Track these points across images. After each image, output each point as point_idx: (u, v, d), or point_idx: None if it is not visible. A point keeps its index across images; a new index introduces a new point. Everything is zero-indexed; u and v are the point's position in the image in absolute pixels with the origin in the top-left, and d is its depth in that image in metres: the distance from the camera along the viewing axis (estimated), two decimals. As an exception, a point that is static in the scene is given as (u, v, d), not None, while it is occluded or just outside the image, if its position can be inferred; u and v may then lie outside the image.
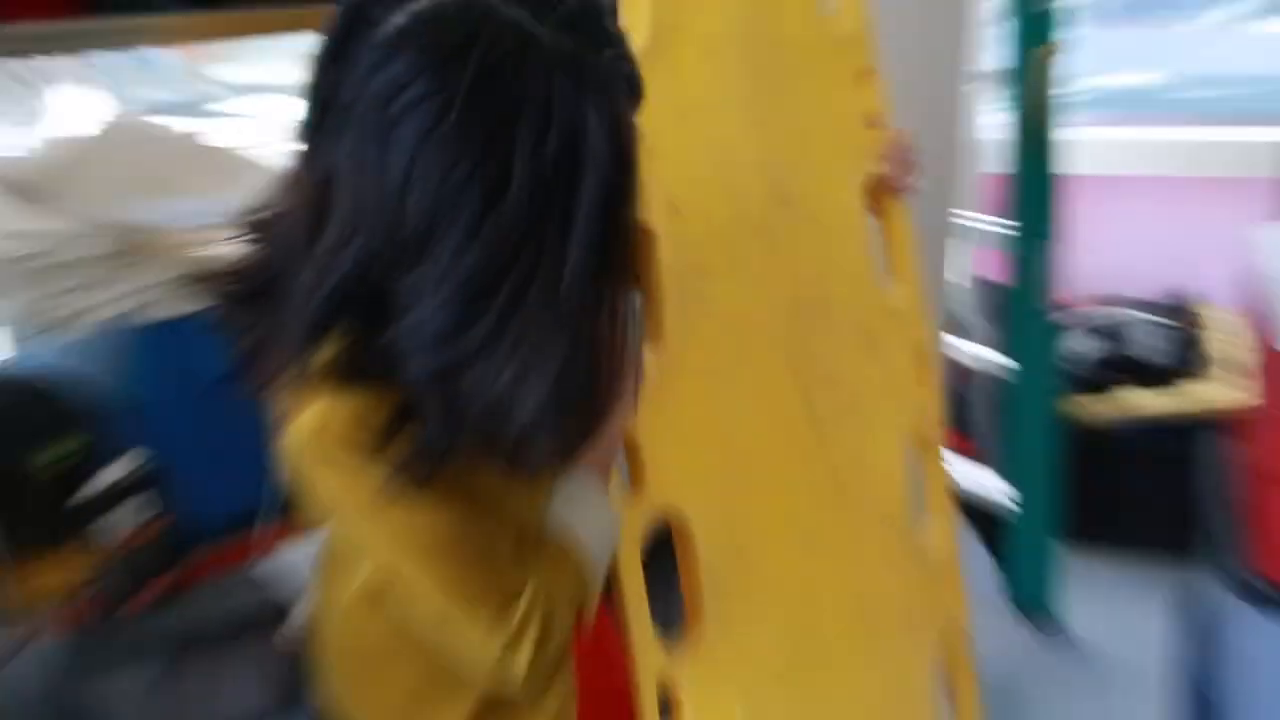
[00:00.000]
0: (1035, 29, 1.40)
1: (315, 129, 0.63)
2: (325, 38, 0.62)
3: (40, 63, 1.28)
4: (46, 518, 1.03)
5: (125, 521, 1.09)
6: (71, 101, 1.26)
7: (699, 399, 1.01)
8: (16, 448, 1.03)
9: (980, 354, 1.70)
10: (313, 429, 0.65)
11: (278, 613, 1.25)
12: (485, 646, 0.69)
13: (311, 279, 0.62)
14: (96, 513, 1.06)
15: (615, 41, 0.67)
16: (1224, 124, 2.41)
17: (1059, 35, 1.41)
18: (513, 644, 0.69)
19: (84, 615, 1.09)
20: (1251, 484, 1.45)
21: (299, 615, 1.25)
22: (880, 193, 1.15)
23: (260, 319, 0.68)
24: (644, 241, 0.96)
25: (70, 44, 0.99)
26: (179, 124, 1.23)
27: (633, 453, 0.94)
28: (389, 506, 0.66)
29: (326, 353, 0.65)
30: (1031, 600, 1.61)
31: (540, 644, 0.70)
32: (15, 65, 1.27)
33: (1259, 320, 1.44)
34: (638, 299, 0.97)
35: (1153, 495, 1.62)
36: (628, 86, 0.66)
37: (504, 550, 0.72)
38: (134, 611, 1.11)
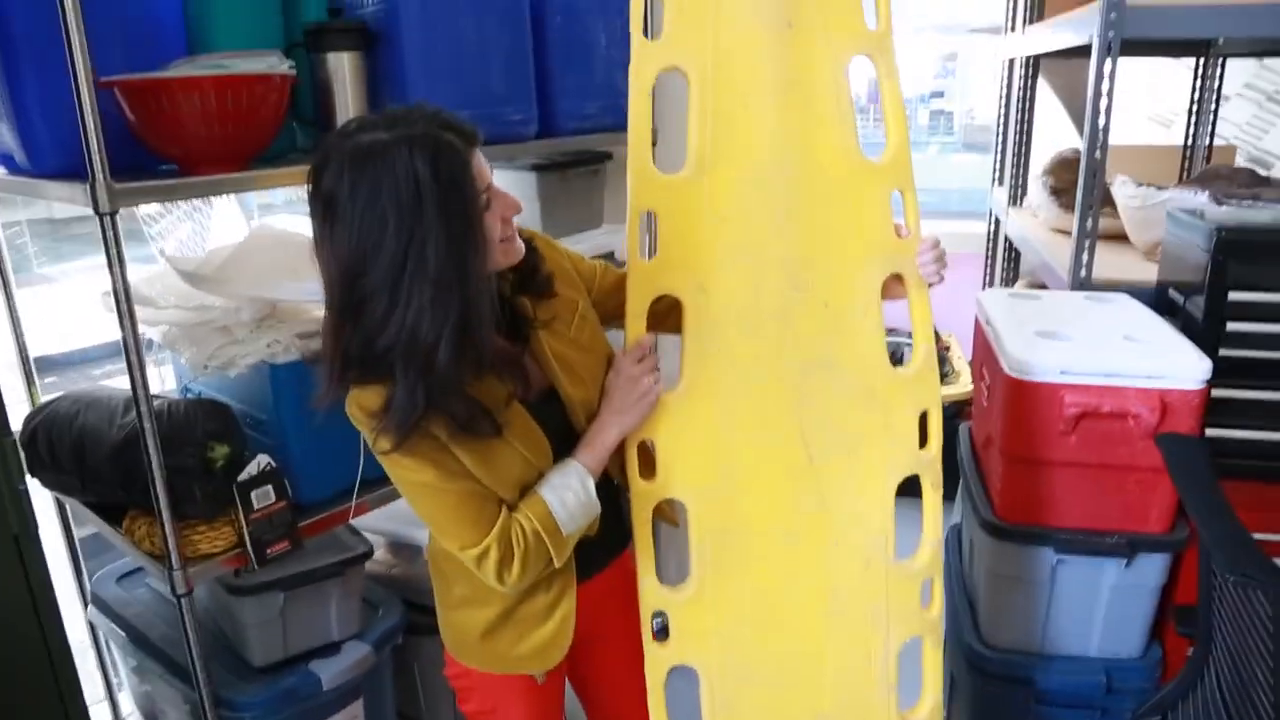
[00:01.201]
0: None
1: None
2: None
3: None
4: (218, 494, 1.44)
5: (263, 499, 1.47)
6: (227, 214, 1.79)
7: (710, 420, 1.28)
8: (202, 444, 1.42)
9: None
10: (349, 409, 1.08)
11: (361, 560, 1.71)
12: (463, 555, 1.13)
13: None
14: (246, 492, 1.45)
15: (448, 124, 1.02)
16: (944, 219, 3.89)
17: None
18: (480, 558, 1.12)
19: (238, 560, 1.48)
20: (978, 449, 1.94)
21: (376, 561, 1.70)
22: (906, 283, 1.32)
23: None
24: (674, 308, 1.26)
25: (238, 187, 1.46)
26: (292, 223, 1.71)
27: (650, 453, 1.27)
28: (395, 463, 1.09)
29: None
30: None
31: (503, 561, 1.11)
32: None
33: (983, 352, 1.91)
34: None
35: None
36: (450, 140, 1.00)
37: (474, 499, 1.11)
38: (267, 559, 1.48)
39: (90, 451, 1.49)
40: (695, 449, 1.29)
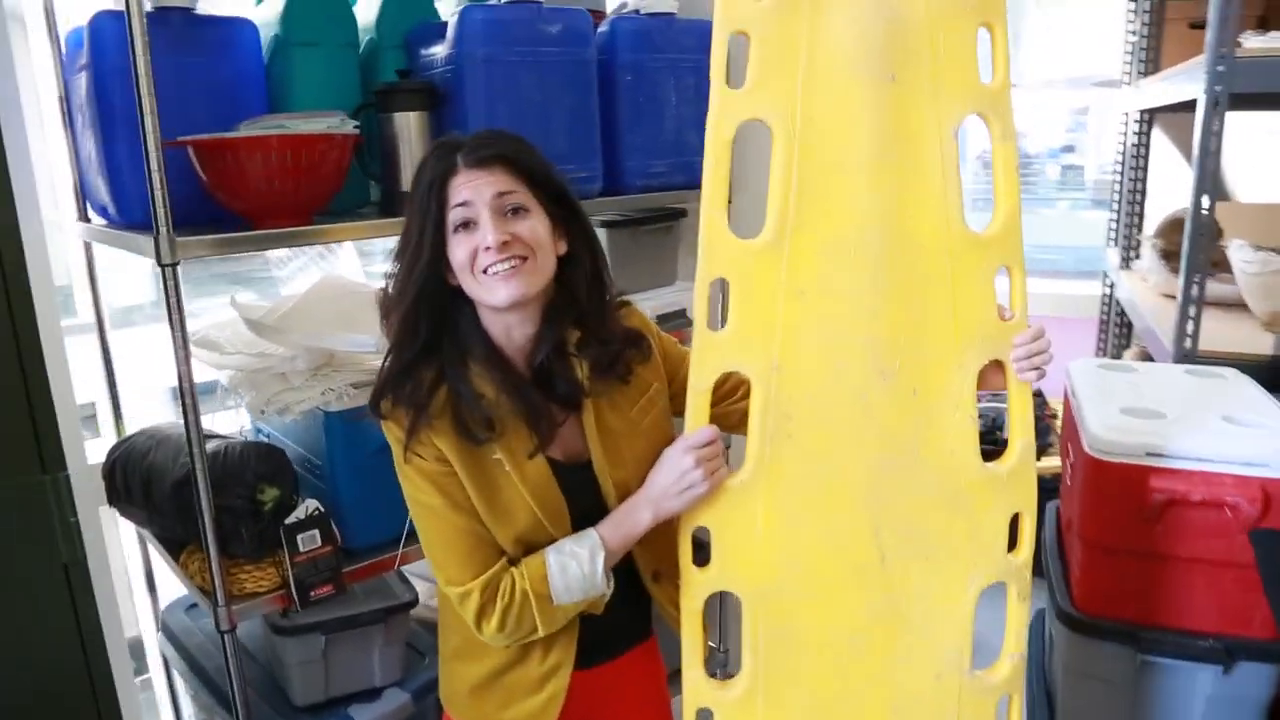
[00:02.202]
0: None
1: None
2: None
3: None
4: (266, 535, 1.47)
5: (309, 543, 1.50)
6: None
7: (775, 511, 1.16)
8: (253, 485, 1.46)
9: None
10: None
11: (406, 608, 1.73)
12: (448, 590, 1.12)
13: None
14: (292, 535, 1.48)
15: (461, 143, 1.10)
16: (1060, 279, 3.70)
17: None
18: (462, 598, 1.10)
19: (281, 600, 1.51)
20: (1062, 531, 1.76)
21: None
22: (1006, 372, 1.19)
23: None
24: (740, 387, 1.20)
25: (300, 240, 1.52)
26: (358, 277, 1.78)
27: (707, 541, 1.16)
28: (408, 479, 1.12)
29: None
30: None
31: (483, 609, 1.10)
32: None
33: (1069, 427, 1.74)
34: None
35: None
36: (436, 151, 1.10)
37: (471, 537, 1.11)
38: (310, 601, 1.50)
39: (155, 486, 1.56)
40: (755, 541, 1.18)
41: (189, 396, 1.36)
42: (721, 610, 2.16)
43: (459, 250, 1.09)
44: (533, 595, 1.10)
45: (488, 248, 1.07)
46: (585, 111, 1.80)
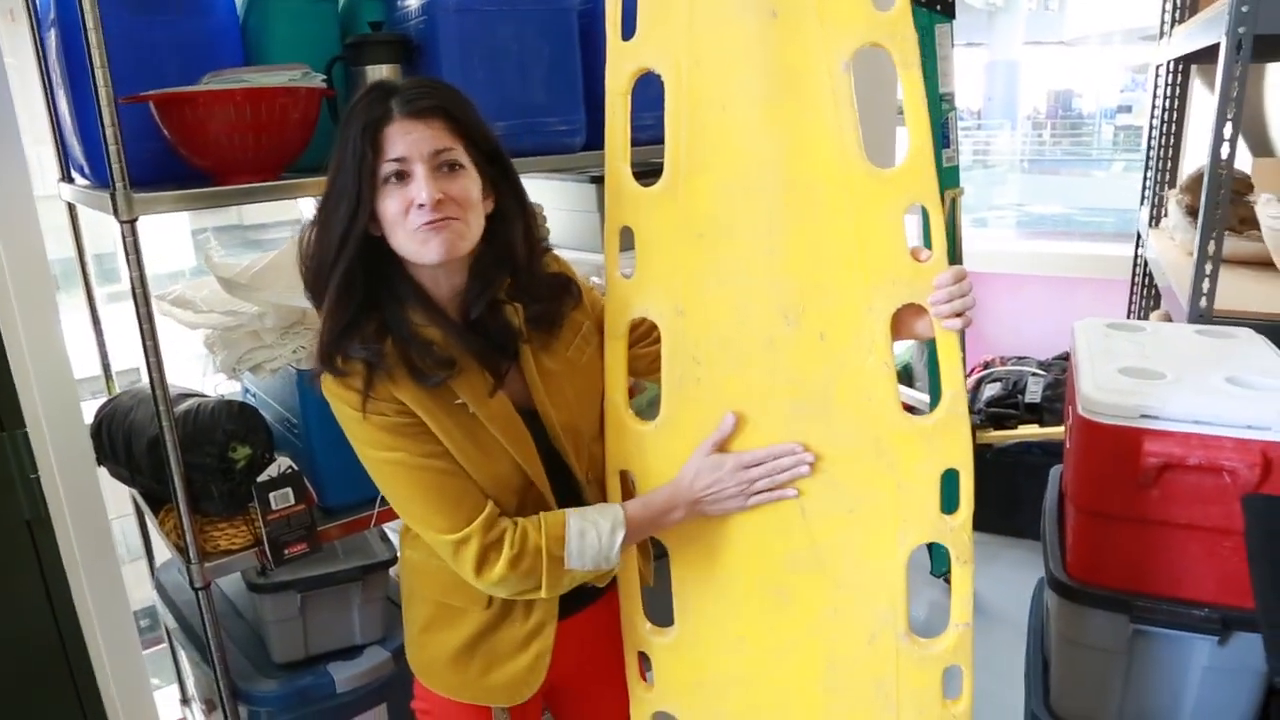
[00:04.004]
0: (944, 180, 1.67)
1: None
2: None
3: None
4: (238, 492, 1.48)
5: (282, 501, 1.49)
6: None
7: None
8: (226, 444, 1.46)
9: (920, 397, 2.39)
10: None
11: (384, 566, 1.72)
12: (440, 542, 1.08)
13: None
14: (265, 492, 1.48)
15: (397, 89, 1.05)
16: (1099, 240, 3.82)
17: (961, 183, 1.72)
18: (458, 546, 1.06)
19: (258, 558, 1.51)
20: (1064, 496, 1.68)
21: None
22: (924, 319, 1.12)
23: None
24: (653, 331, 1.20)
25: (264, 196, 1.50)
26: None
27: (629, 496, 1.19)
28: (366, 441, 1.08)
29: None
30: (948, 570, 1.87)
31: (485, 554, 1.06)
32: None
33: (1071, 388, 1.66)
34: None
35: (1037, 498, 1.88)
36: (370, 98, 1.05)
37: (454, 480, 1.08)
38: (284, 559, 1.50)
39: (134, 445, 1.58)
40: None
41: (153, 355, 1.36)
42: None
43: (390, 203, 1.05)
44: (545, 554, 1.08)
45: (421, 205, 1.03)
46: (567, 62, 1.75)
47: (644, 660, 1.29)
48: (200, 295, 1.61)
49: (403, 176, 1.05)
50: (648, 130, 1.90)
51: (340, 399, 1.09)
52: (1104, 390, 1.46)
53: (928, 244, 1.11)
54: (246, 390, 1.88)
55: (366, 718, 1.70)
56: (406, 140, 1.04)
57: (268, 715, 1.59)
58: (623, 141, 1.13)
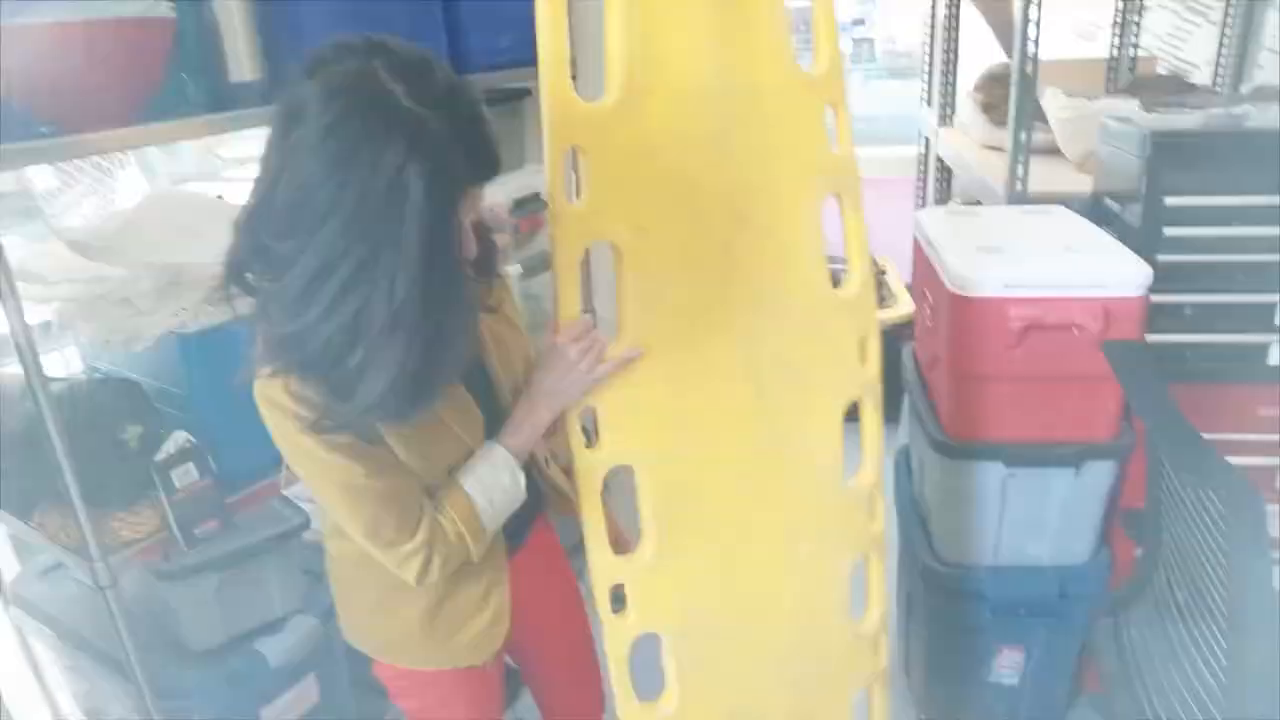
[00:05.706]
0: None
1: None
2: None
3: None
4: (134, 477, 1.36)
5: (184, 478, 1.38)
6: (133, 186, 1.65)
7: (655, 377, 1.17)
8: (115, 425, 1.35)
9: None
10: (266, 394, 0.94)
11: (298, 531, 1.63)
12: (385, 553, 1.04)
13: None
14: (165, 471, 1.36)
15: (474, 121, 0.86)
16: (875, 144, 3.72)
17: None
18: (405, 559, 1.03)
19: (161, 544, 1.40)
20: (924, 370, 1.94)
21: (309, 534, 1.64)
22: (842, 205, 1.27)
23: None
24: (614, 253, 1.13)
25: (117, 144, 1.34)
26: (198, 189, 1.60)
27: (594, 419, 1.16)
28: (315, 460, 0.96)
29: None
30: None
31: (427, 564, 1.03)
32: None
33: (925, 271, 1.87)
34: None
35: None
36: (468, 159, 0.85)
37: (399, 496, 1.01)
38: (195, 540, 1.42)
39: (-12, 443, 1.38)
40: (641, 409, 1.18)
41: (22, 337, 1.19)
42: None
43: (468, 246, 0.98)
44: (468, 534, 1.06)
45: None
46: (423, -15, 1.66)
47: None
48: (44, 265, 1.41)
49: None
50: (506, 54, 1.87)
51: (282, 411, 0.95)
52: (969, 267, 1.64)
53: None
54: (94, 370, 1.68)
55: (300, 688, 1.62)
56: (475, 208, 0.98)
57: (197, 708, 1.49)
58: (561, 53, 1.05)
